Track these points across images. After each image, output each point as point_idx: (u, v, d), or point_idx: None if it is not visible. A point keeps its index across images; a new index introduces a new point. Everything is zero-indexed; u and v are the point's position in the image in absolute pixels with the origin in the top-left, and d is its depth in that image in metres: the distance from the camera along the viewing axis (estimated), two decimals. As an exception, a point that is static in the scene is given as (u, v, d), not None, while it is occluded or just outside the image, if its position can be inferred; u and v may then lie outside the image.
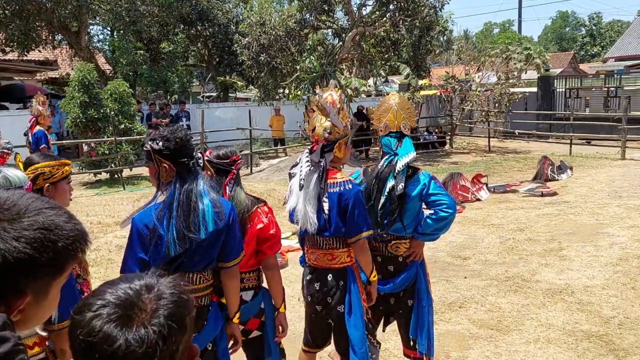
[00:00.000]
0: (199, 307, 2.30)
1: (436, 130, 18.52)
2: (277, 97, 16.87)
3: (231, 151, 2.65)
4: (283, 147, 16.56)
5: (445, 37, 18.87)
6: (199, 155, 2.38)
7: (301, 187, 2.69)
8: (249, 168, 13.71)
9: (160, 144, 2.25)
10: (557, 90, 19.97)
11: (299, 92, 16.55)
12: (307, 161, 2.73)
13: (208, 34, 19.02)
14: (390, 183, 2.96)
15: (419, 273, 3.06)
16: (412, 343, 3.08)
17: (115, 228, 7.41)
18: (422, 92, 19.09)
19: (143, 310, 0.91)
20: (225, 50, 19.21)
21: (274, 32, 15.04)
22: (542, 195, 9.21)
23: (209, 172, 2.56)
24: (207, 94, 25.12)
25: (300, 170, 2.73)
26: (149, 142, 2.27)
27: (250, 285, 2.66)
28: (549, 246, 6.26)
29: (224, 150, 2.64)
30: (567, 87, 19.95)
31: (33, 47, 16.03)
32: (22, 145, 8.45)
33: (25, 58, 16.46)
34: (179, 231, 2.20)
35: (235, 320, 2.44)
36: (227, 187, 2.55)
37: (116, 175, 12.13)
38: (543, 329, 4.14)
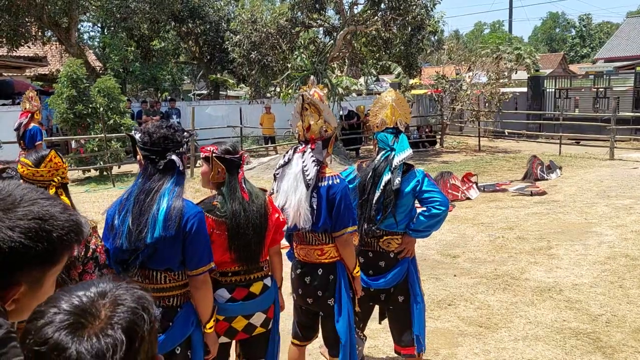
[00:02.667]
0: (166, 307, 2.27)
1: (427, 129, 18.58)
2: (268, 95, 16.83)
3: (235, 145, 2.64)
4: (273, 145, 16.54)
5: (436, 37, 18.92)
6: (181, 153, 2.31)
7: (308, 186, 2.69)
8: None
9: (138, 135, 2.27)
10: (547, 90, 20.12)
11: (289, 91, 16.53)
12: (313, 160, 2.72)
13: (199, 31, 18.94)
14: (386, 177, 2.97)
15: (410, 269, 3.08)
16: (401, 341, 3.09)
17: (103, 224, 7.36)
18: (413, 92, 19.15)
19: (97, 317, 0.85)
20: (217, 47, 19.15)
21: (265, 30, 15.00)
22: (532, 194, 9.28)
23: (218, 169, 2.52)
24: (198, 92, 25.01)
25: (306, 168, 2.72)
26: (135, 129, 2.33)
27: (267, 273, 2.67)
28: (538, 245, 6.31)
29: (229, 144, 2.61)
30: (557, 87, 20.10)
31: (22, 43, 15.84)
32: (11, 142, 8.36)
33: (14, 54, 16.26)
34: (129, 227, 2.19)
35: (208, 330, 2.35)
36: (242, 182, 2.53)
37: (105, 172, 12.04)
38: (531, 326, 4.17)
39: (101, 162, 11.95)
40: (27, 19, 15.40)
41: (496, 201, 8.93)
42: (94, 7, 16.00)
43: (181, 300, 2.30)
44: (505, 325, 4.20)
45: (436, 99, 18.64)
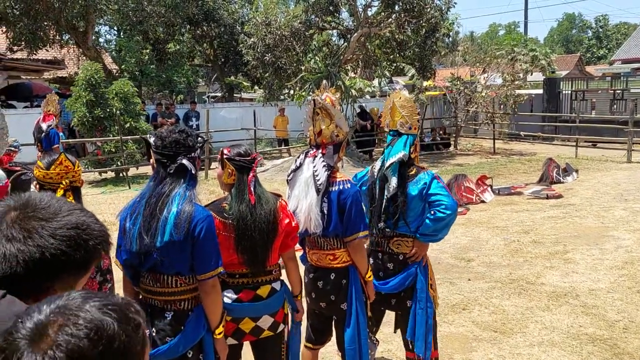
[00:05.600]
0: (177, 311, 2.28)
1: (440, 131, 18.50)
2: (282, 97, 16.90)
3: (249, 148, 2.65)
4: (287, 147, 16.58)
5: (450, 39, 18.83)
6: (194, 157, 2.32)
7: (318, 192, 2.69)
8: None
9: (152, 139, 2.30)
10: (563, 92, 19.90)
11: (303, 93, 16.57)
12: (324, 165, 2.73)
13: (214, 34, 19.08)
14: (388, 185, 2.98)
15: (419, 274, 3.06)
16: (410, 345, 3.09)
17: (120, 227, 7.45)
18: (427, 93, 19.07)
19: (46, 335, 0.79)
20: (231, 50, 19.27)
21: (279, 33, 15.05)
22: (547, 197, 9.19)
23: (229, 170, 2.54)
24: (213, 94, 25.18)
25: (316, 173, 2.72)
26: (150, 133, 2.37)
27: (277, 277, 2.66)
28: (554, 249, 6.25)
29: (243, 147, 2.62)
30: (573, 89, 19.88)
31: (41, 46, 16.09)
32: (30, 144, 8.50)
33: (33, 57, 16.53)
34: (140, 231, 2.21)
35: (217, 335, 2.35)
36: (251, 185, 2.54)
37: (121, 174, 12.18)
38: (547, 332, 4.13)
39: (117, 164, 12.10)
40: (45, 23, 15.64)
41: (511, 204, 8.86)
42: (110, 10, 16.19)
43: (192, 304, 2.31)
44: (521, 330, 4.17)
45: (450, 101, 18.55)
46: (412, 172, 3.02)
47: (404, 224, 2.99)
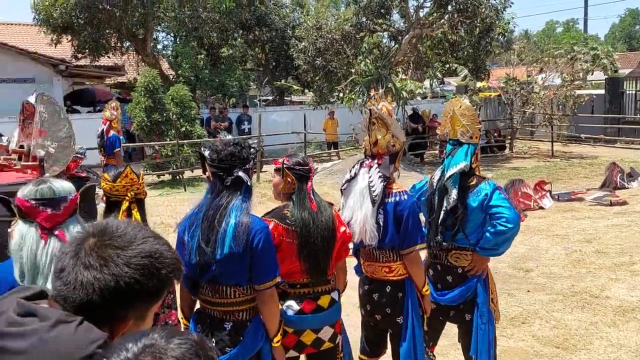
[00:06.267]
0: (236, 321, 2.31)
1: (495, 133, 17.99)
2: (332, 100, 16.96)
3: (305, 157, 2.69)
4: (336, 150, 16.60)
5: (505, 38, 18.30)
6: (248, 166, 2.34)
7: (374, 203, 2.67)
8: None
9: (207, 152, 2.34)
10: (627, 92, 18.91)
11: (352, 96, 16.56)
12: (380, 176, 2.70)
13: (265, 38, 19.38)
14: (448, 196, 2.92)
15: (479, 288, 2.98)
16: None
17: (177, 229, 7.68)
18: (481, 95, 18.60)
19: None
20: (282, 54, 19.50)
21: (329, 36, 15.11)
22: (611, 204, 8.76)
23: (288, 179, 2.58)
24: (264, 98, 25.57)
25: (372, 184, 2.70)
26: (204, 146, 2.41)
27: (334, 286, 2.68)
28: (619, 260, 5.95)
29: (300, 156, 2.68)
30: (638, 89, 18.87)
31: (103, 54, 16.89)
32: (92, 148, 8.93)
33: (95, 64, 17.37)
34: (199, 243, 2.24)
35: (275, 343, 2.36)
36: (311, 193, 2.58)
37: (178, 177, 12.57)
38: (613, 349, 3.94)
39: (174, 167, 12.50)
40: (107, 31, 16.40)
41: (572, 211, 8.51)
42: (167, 17, 16.75)
43: (250, 314, 2.33)
44: (585, 347, 4.00)
45: (505, 102, 18.02)
46: (473, 183, 2.95)
47: (463, 237, 2.93)
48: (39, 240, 1.77)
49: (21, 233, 1.78)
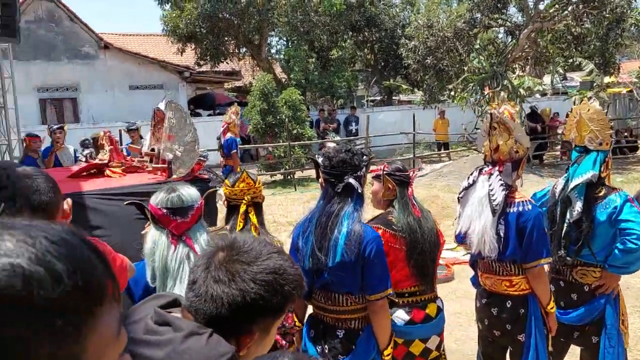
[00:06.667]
0: (348, 330, 2.31)
1: (625, 133, 16.36)
2: (442, 99, 16.53)
3: (404, 164, 2.69)
4: (447, 151, 16.13)
5: (637, 28, 16.56)
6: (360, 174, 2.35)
7: (494, 213, 2.57)
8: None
9: (321, 159, 2.38)
10: None
11: (465, 95, 16.00)
12: (501, 184, 2.58)
13: (374, 38, 19.43)
14: (572, 208, 2.72)
15: (608, 308, 2.74)
16: None
17: (288, 228, 7.97)
18: (609, 91, 17.01)
19: None
20: (391, 54, 19.39)
21: (441, 34, 14.76)
22: None
23: (389, 185, 2.58)
24: (372, 98, 25.62)
25: (492, 192, 2.60)
26: (318, 153, 2.47)
27: (437, 294, 2.66)
28: None
29: (399, 162, 2.68)
30: None
31: (222, 60, 18.08)
32: (212, 149, 9.57)
33: (215, 70, 18.65)
34: (312, 249, 2.26)
35: (386, 357, 2.32)
36: (412, 199, 2.58)
37: (289, 177, 13.05)
38: None
39: (286, 168, 13.00)
40: (226, 39, 17.53)
41: None
42: (281, 22, 17.46)
43: (362, 323, 2.33)
44: None
45: (638, 98, 16.32)
46: (601, 194, 2.72)
47: (588, 252, 2.72)
48: (169, 245, 1.91)
49: (154, 239, 1.93)
